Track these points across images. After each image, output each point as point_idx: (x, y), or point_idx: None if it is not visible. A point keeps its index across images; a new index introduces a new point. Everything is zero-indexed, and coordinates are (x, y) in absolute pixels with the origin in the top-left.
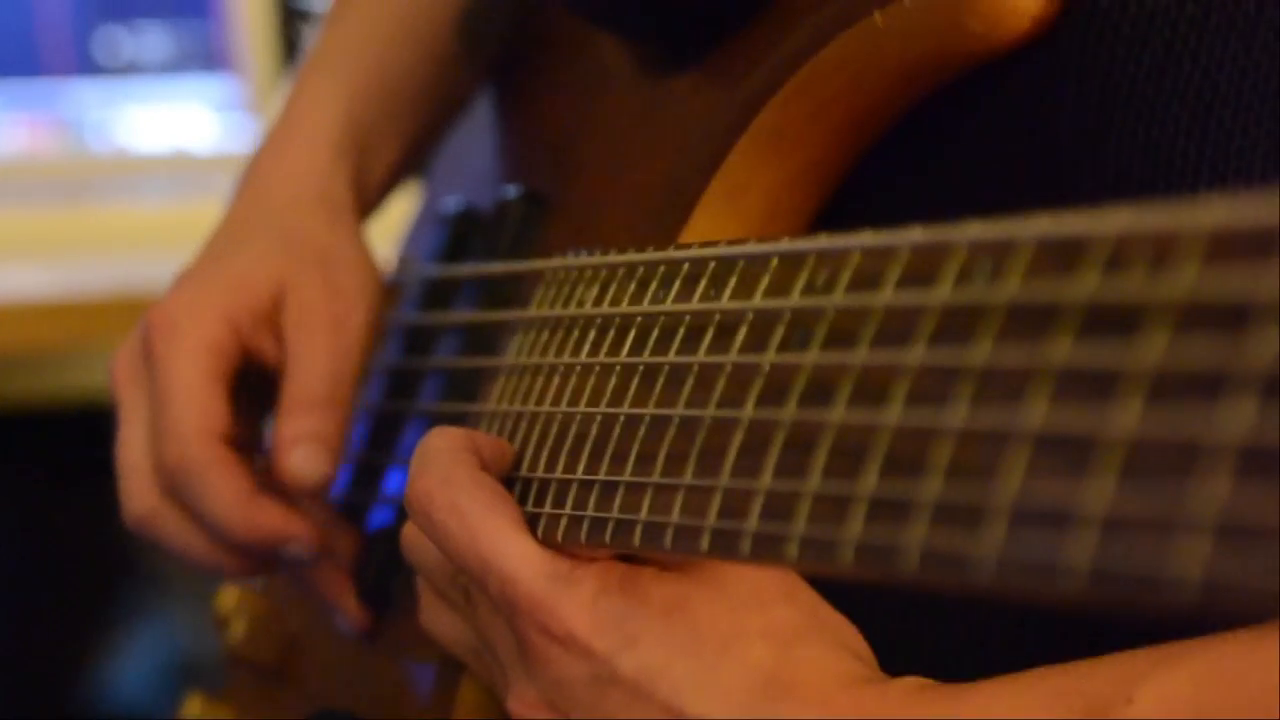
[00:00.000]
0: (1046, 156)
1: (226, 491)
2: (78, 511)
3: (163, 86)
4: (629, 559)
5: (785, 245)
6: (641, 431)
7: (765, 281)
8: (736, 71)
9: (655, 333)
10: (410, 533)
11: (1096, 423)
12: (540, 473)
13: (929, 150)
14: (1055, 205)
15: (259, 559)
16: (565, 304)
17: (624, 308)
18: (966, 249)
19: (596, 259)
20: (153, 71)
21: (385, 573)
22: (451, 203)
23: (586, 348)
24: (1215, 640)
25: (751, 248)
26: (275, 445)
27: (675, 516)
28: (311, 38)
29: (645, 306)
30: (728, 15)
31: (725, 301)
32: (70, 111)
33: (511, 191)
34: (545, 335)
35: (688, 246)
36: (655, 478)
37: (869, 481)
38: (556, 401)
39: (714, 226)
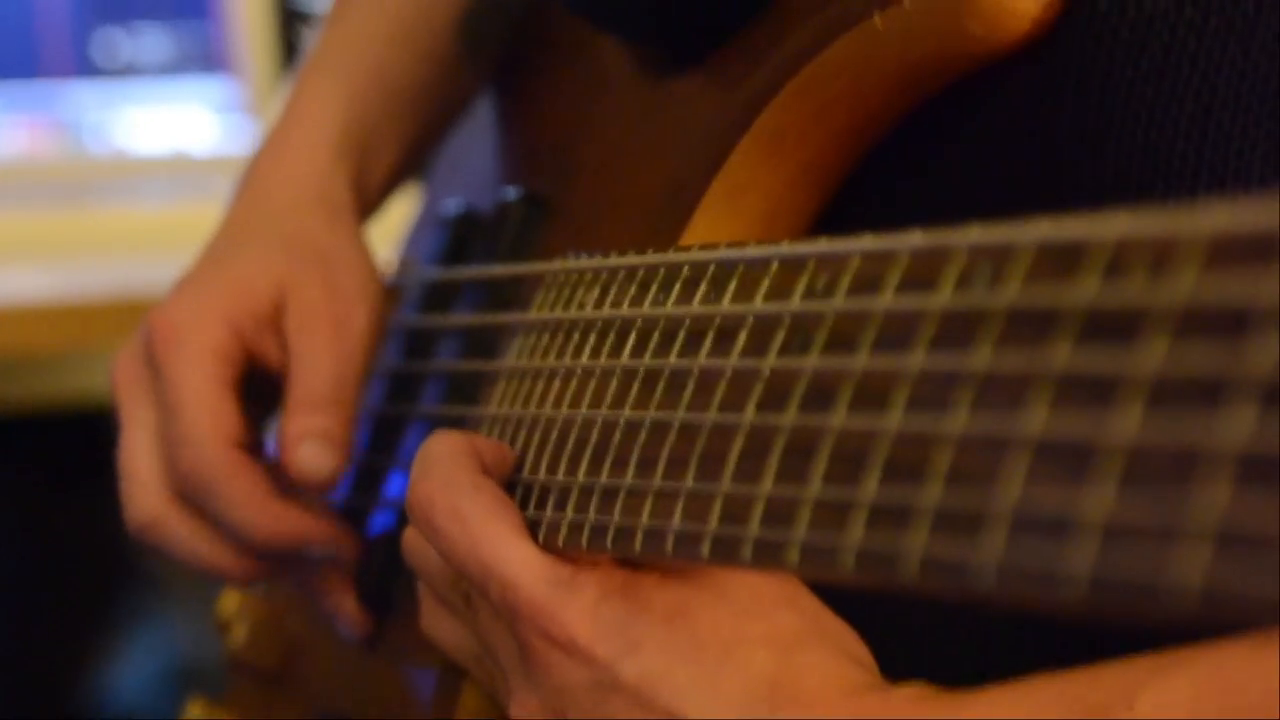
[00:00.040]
0: (1046, 159)
1: (248, 498)
2: (77, 514)
3: (162, 88)
4: (630, 564)
5: (785, 249)
6: (642, 436)
7: (765, 285)
8: (737, 73)
9: (656, 336)
10: (411, 537)
11: (1096, 429)
12: (541, 477)
13: (929, 152)
14: (1055, 208)
15: (267, 563)
16: (566, 307)
17: (624, 311)
18: (966, 253)
19: (597, 261)
20: (152, 73)
21: (386, 577)
22: (452, 205)
23: (587, 351)
24: (1216, 647)
25: (751, 251)
26: (281, 443)
27: (676, 522)
28: (311, 39)
29: (645, 310)
30: (728, 17)
31: (725, 305)
32: (69, 113)
33: (512, 193)
34: (546, 338)
35: (688, 249)
36: (656, 482)
37: (869, 487)
38: (557, 405)
39: (714, 228)
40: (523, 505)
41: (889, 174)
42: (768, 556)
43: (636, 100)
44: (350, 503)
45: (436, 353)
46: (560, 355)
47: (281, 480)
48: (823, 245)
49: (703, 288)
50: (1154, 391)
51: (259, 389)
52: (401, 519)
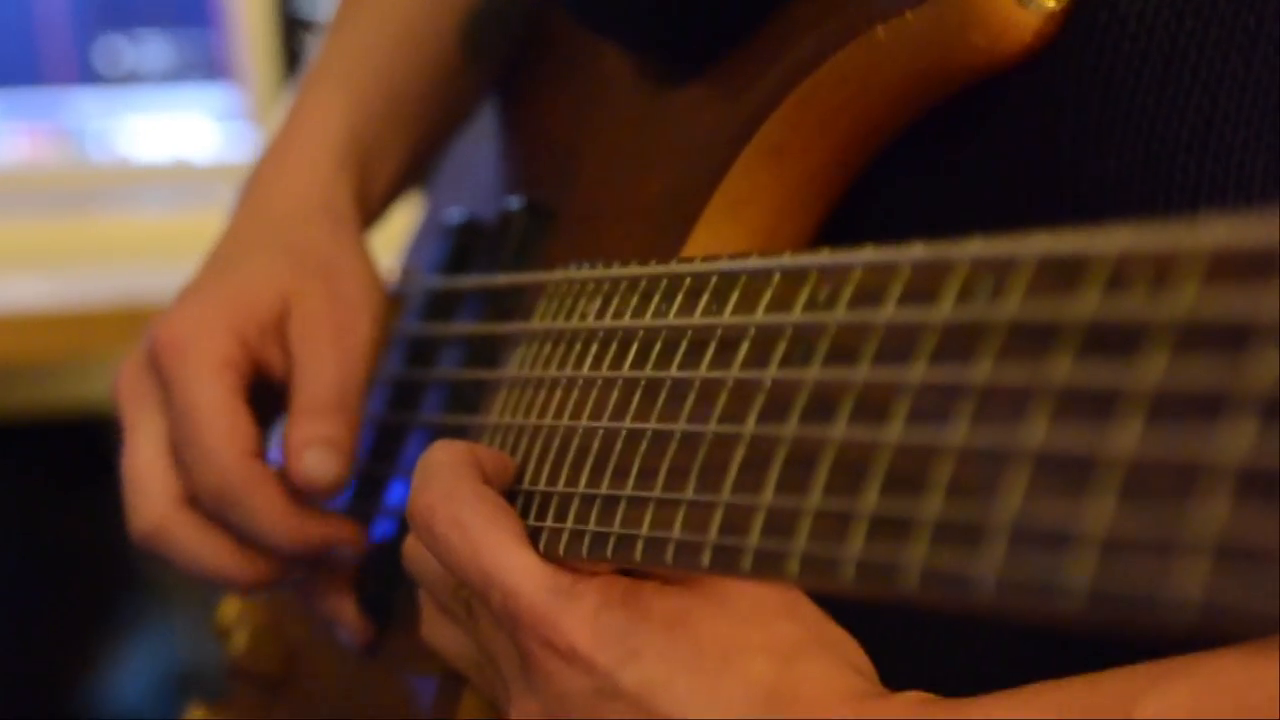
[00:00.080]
0: (1047, 170)
1: (274, 509)
2: (78, 520)
3: (164, 96)
4: (631, 573)
5: (787, 260)
6: (643, 446)
7: (767, 297)
8: (740, 84)
9: (658, 347)
10: (412, 546)
11: (1096, 442)
12: (542, 486)
13: (930, 163)
14: (1056, 220)
15: (270, 571)
16: (568, 317)
17: (626, 321)
18: (968, 266)
19: (599, 272)
20: (154, 81)
21: (387, 585)
22: (454, 213)
23: (589, 361)
24: (1215, 655)
25: (754, 262)
26: (287, 451)
27: (676, 532)
28: (313, 47)
29: (647, 320)
30: (731, 27)
31: (727, 316)
32: (71, 121)
33: (514, 203)
34: (548, 348)
35: (690, 260)
36: (657, 492)
37: (870, 499)
38: (559, 415)
39: (716, 239)
40: (524, 514)
41: (891, 185)
42: (768, 567)
43: (639, 110)
44: (351, 511)
45: (438, 361)
46: (562, 365)
47: (290, 488)
48: (824, 257)
49: (704, 299)
50: (1154, 405)
51: (261, 398)
52: (402, 527)
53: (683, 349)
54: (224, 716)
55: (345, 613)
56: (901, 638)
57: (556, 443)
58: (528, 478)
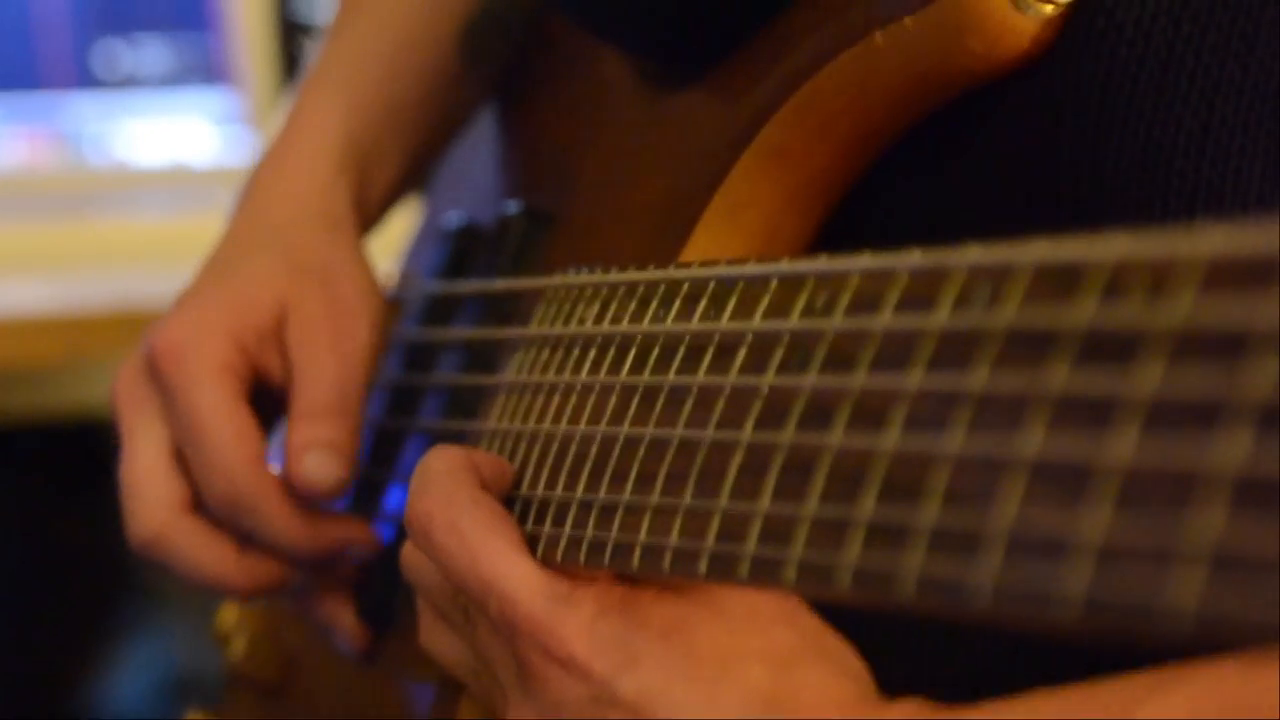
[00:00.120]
0: (1044, 175)
1: (287, 514)
2: (76, 525)
3: (162, 100)
4: (628, 580)
5: (785, 266)
6: (641, 452)
7: (765, 302)
8: (739, 88)
9: (655, 352)
10: (410, 552)
11: (1093, 451)
12: (540, 492)
13: (929, 168)
14: (1053, 226)
15: (269, 578)
16: (566, 322)
17: (624, 327)
18: (965, 273)
19: (597, 277)
20: (152, 85)
21: (385, 592)
22: (453, 218)
23: (587, 366)
24: (1213, 664)
25: (751, 268)
26: (287, 454)
27: (674, 539)
28: (312, 52)
29: (645, 326)
30: (731, 31)
31: (725, 322)
32: (69, 125)
33: (513, 207)
34: (546, 353)
35: (688, 266)
36: (654, 499)
37: (867, 506)
38: (556, 420)
39: (715, 244)
40: (521, 520)
41: (889, 189)
42: (765, 574)
43: (638, 114)
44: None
45: (437, 366)
46: (560, 370)
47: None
48: (822, 263)
49: (702, 304)
50: (1151, 414)
51: (259, 404)
52: (400, 533)
53: (680, 354)
54: None
55: (343, 620)
56: (899, 645)
57: (554, 448)
58: (526, 483)
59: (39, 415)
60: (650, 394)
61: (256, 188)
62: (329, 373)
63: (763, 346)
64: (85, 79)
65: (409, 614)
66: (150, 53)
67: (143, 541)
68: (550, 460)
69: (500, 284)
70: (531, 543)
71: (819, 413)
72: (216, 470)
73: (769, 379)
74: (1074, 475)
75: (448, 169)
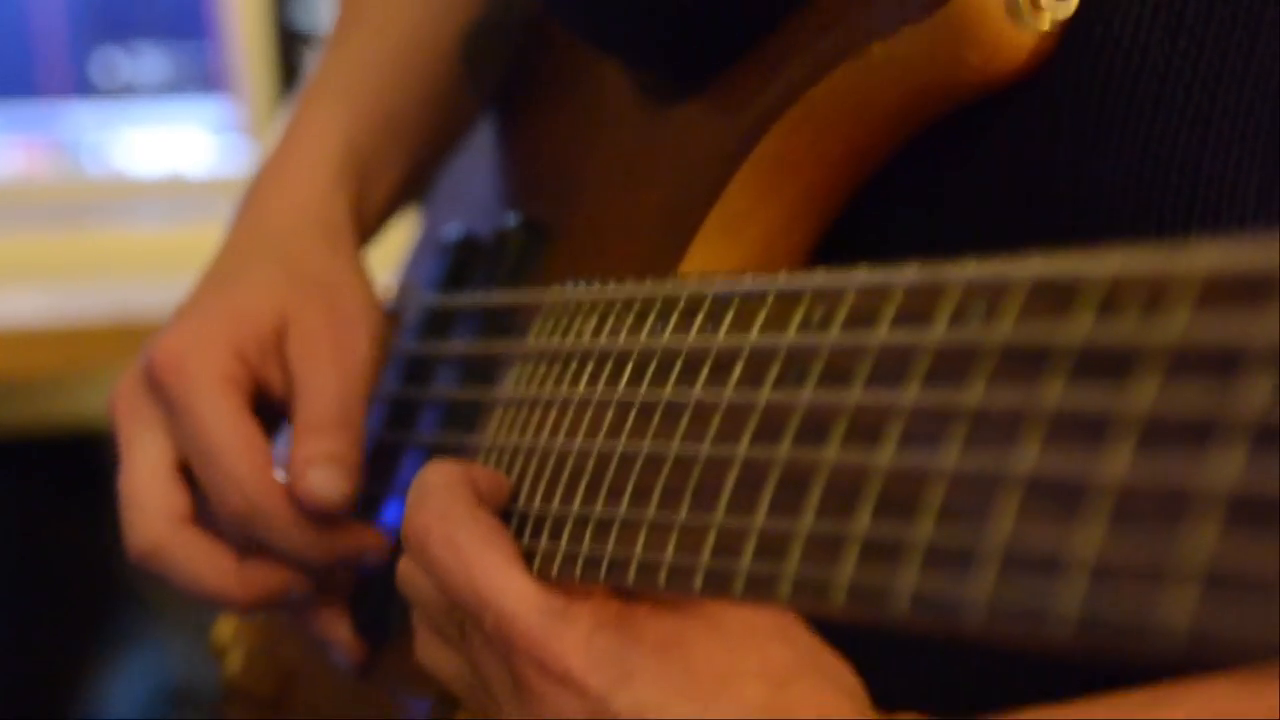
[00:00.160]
0: (1041, 189)
1: (302, 524)
2: (72, 535)
3: (159, 109)
4: (625, 595)
5: (782, 281)
6: (637, 466)
7: (762, 317)
8: (737, 101)
9: (652, 367)
10: (406, 567)
11: (1087, 468)
12: (537, 506)
13: (926, 181)
14: (1049, 240)
15: (267, 591)
16: (564, 335)
17: (621, 340)
18: (961, 289)
19: (595, 291)
20: (149, 93)
21: (382, 606)
22: (451, 230)
23: (584, 380)
24: (1209, 682)
25: (748, 283)
26: (291, 469)
27: (669, 554)
28: (310, 60)
29: (643, 340)
30: (729, 44)
31: (722, 337)
32: (67, 133)
33: (511, 220)
34: (543, 367)
35: (685, 280)
36: (650, 514)
37: (862, 522)
38: (554, 435)
39: (713, 256)
40: (518, 534)
41: (887, 202)
42: (760, 590)
43: (636, 126)
44: None
45: (435, 379)
46: (557, 384)
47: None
48: (819, 278)
49: (699, 319)
50: (1145, 431)
51: (259, 414)
52: (397, 547)
53: (677, 369)
54: None
55: (339, 633)
56: (894, 660)
57: (551, 463)
58: (522, 498)
59: (35, 425)
60: (647, 408)
61: (255, 197)
62: (331, 386)
63: (759, 361)
64: (83, 88)
65: (405, 628)
66: (148, 61)
67: (142, 552)
68: (547, 475)
69: (498, 297)
70: (528, 557)
71: (815, 428)
72: (229, 481)
73: (765, 394)
74: (1068, 492)
75: (446, 181)
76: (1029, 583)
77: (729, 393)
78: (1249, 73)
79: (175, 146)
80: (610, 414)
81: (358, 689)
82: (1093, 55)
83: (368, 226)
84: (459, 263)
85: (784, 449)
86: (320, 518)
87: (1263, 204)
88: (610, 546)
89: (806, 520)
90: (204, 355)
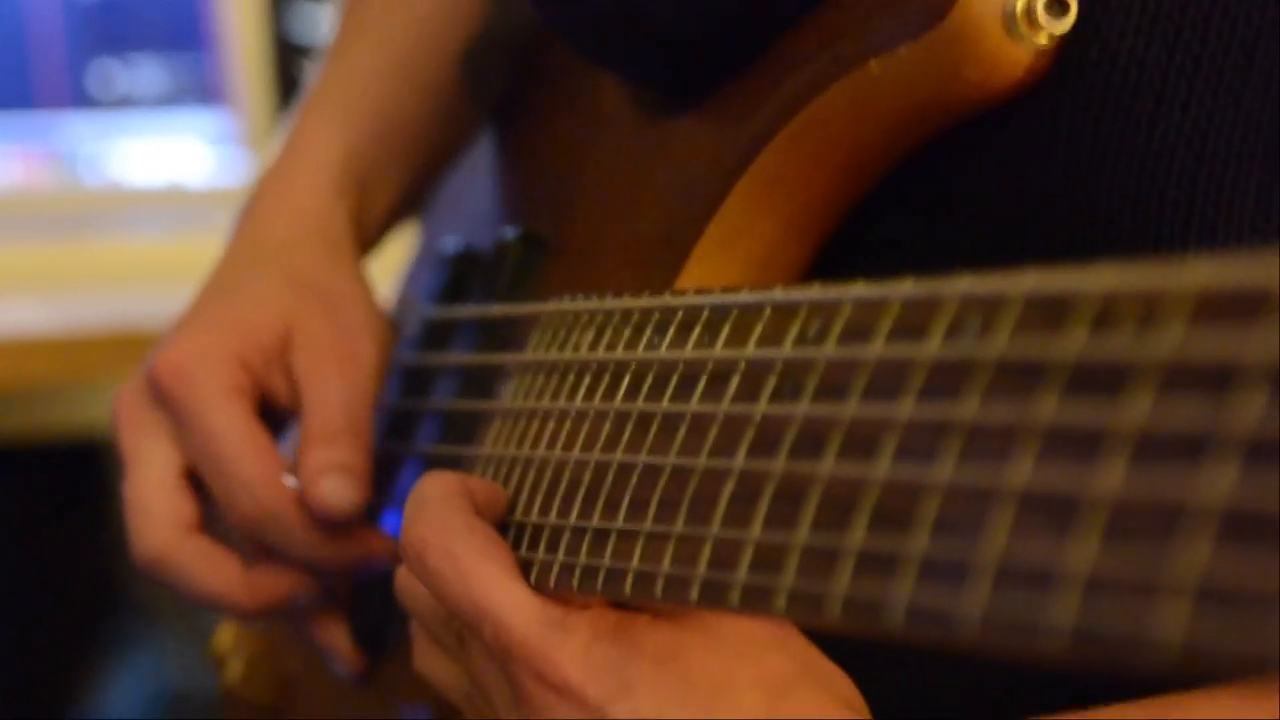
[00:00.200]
0: (1038, 206)
1: (312, 529)
2: (72, 544)
3: (157, 120)
4: (622, 605)
5: (778, 295)
6: (634, 479)
7: (758, 330)
8: (735, 116)
9: (649, 379)
10: (404, 578)
11: (1081, 482)
12: (534, 518)
13: (923, 196)
14: (1046, 255)
15: (272, 599)
16: (561, 348)
17: (619, 353)
18: (957, 303)
19: (593, 304)
20: (147, 105)
21: (381, 615)
22: (450, 243)
23: (582, 392)
24: (1205, 696)
25: (745, 296)
26: (302, 478)
27: (666, 566)
28: (309, 72)
29: (640, 353)
30: (728, 59)
31: (718, 350)
32: (64, 145)
33: (510, 233)
34: (541, 379)
35: (683, 293)
36: (647, 525)
37: (857, 535)
38: (551, 446)
39: (710, 271)
40: (515, 546)
41: (884, 216)
42: (755, 602)
43: (634, 141)
44: None
45: (434, 391)
46: (555, 397)
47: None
48: (815, 292)
49: (696, 332)
50: (1139, 445)
51: (264, 423)
52: (395, 558)
53: (674, 382)
54: None
55: (339, 642)
56: (890, 670)
57: (548, 474)
58: (520, 509)
59: (34, 435)
60: (644, 421)
61: (255, 208)
62: (338, 395)
63: (756, 374)
64: (81, 99)
65: (404, 638)
66: (146, 73)
67: (149, 560)
68: (544, 486)
69: (497, 309)
70: (525, 568)
71: (811, 441)
72: (241, 487)
73: (761, 407)
74: (1062, 506)
75: (445, 194)
76: (1023, 596)
77: (725, 405)
78: (1245, 88)
79: (173, 158)
80: (607, 426)
81: (357, 698)
82: (1090, 71)
83: (368, 237)
84: (458, 275)
85: (780, 462)
86: (336, 529)
87: (1259, 219)
88: (607, 558)
89: (802, 533)
90: (210, 365)
